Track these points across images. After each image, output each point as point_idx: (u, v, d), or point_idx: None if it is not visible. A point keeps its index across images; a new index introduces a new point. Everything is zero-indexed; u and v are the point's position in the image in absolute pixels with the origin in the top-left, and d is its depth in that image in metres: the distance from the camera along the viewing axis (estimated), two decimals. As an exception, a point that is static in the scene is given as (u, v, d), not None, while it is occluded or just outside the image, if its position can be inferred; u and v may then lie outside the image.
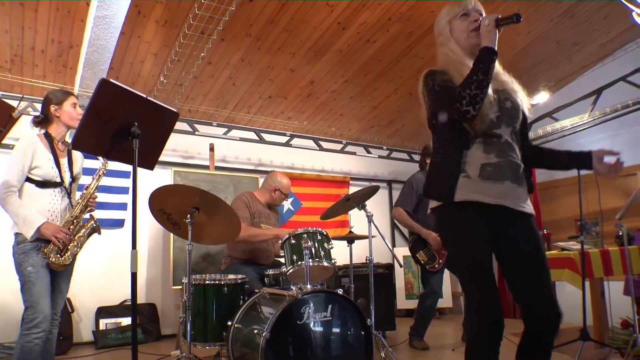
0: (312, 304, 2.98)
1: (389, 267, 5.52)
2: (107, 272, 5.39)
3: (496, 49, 1.96)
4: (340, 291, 3.14)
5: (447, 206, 2.07)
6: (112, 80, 2.45)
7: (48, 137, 3.08)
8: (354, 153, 7.36)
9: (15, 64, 4.82)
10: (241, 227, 3.58)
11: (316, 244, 3.45)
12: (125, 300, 5.43)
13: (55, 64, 4.89)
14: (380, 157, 7.58)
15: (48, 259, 2.89)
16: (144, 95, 2.63)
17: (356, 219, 4.51)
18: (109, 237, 5.43)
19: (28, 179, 2.95)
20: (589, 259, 4.28)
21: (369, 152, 7.47)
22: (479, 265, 2.00)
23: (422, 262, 4.50)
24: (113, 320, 5.20)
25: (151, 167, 2.89)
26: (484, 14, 2.14)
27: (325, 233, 3.59)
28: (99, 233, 3.18)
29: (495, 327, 1.94)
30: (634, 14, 4.56)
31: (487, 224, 2.03)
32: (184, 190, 3.28)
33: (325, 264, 3.44)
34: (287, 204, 6.47)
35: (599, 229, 6.03)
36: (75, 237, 3.02)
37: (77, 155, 3.26)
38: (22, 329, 2.81)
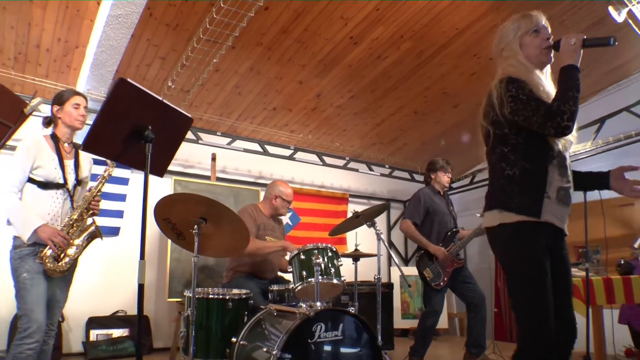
0: (323, 323, 2.87)
1: (389, 286, 5.45)
2: (99, 282, 5.21)
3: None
4: (352, 310, 3.04)
5: (525, 224, 2.05)
6: (129, 80, 2.36)
7: (54, 137, 2.98)
8: (356, 170, 7.27)
9: (19, 62, 4.69)
10: None
11: (327, 261, 3.34)
12: (117, 311, 5.25)
13: (60, 63, 4.77)
14: (382, 175, 7.52)
15: (44, 264, 2.75)
16: (160, 98, 2.54)
17: (353, 237, 4.42)
18: (103, 245, 5.26)
19: (30, 180, 2.84)
20: (592, 286, 4.23)
21: (371, 170, 7.39)
22: (548, 289, 2.02)
23: (428, 279, 4.42)
24: (104, 331, 5.02)
25: (161, 174, 2.80)
26: (550, 31, 2.20)
27: (334, 249, 3.49)
28: (101, 238, 3.05)
29: (551, 349, 1.99)
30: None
31: (547, 245, 2.09)
32: (192, 200, 3.14)
33: (336, 281, 3.33)
34: (285, 219, 6.36)
35: (599, 256, 6.02)
36: (74, 242, 2.89)
37: (85, 158, 3.14)
38: (15, 338, 2.67)
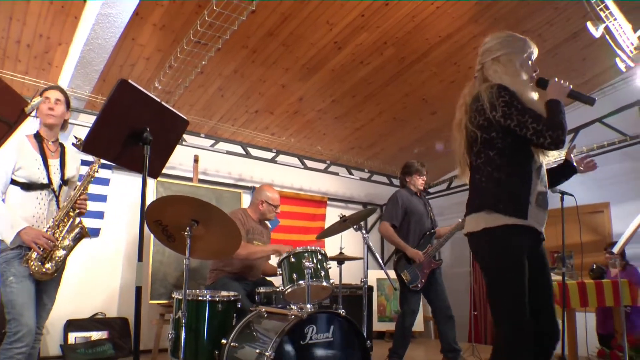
0: (315, 325, 2.90)
1: (368, 289, 5.50)
2: (78, 284, 5.12)
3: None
4: (342, 312, 3.09)
5: (510, 228, 2.14)
6: (130, 81, 2.36)
7: (37, 137, 2.92)
8: (336, 173, 7.33)
9: (-3, 57, 4.60)
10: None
11: (316, 263, 3.37)
12: (96, 314, 5.19)
13: (41, 60, 4.68)
14: (361, 179, 7.60)
15: (30, 267, 2.70)
16: (159, 100, 2.54)
17: (333, 241, 4.45)
18: (83, 247, 5.18)
19: (13, 182, 2.78)
20: (567, 290, 4.39)
21: (351, 174, 7.46)
22: (526, 290, 2.12)
23: (406, 281, 4.49)
24: (82, 334, 4.94)
25: (156, 176, 2.80)
26: None
27: (324, 252, 3.52)
28: (88, 237, 3.00)
29: (532, 345, 2.10)
30: (617, 59, 4.75)
31: (528, 249, 2.20)
32: (184, 202, 3.11)
33: (325, 284, 3.36)
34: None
35: (572, 261, 6.22)
36: (60, 244, 2.81)
37: (71, 157, 3.07)
38: (4, 342, 2.62)
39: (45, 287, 2.87)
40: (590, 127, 6.09)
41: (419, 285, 4.49)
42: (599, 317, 5.42)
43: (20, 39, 4.41)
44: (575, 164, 2.58)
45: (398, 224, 4.63)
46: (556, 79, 2.23)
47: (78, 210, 2.91)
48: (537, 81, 2.30)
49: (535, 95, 2.27)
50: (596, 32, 4.13)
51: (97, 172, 3.02)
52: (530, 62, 2.32)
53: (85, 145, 2.38)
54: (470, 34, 5.03)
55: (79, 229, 2.91)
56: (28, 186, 2.80)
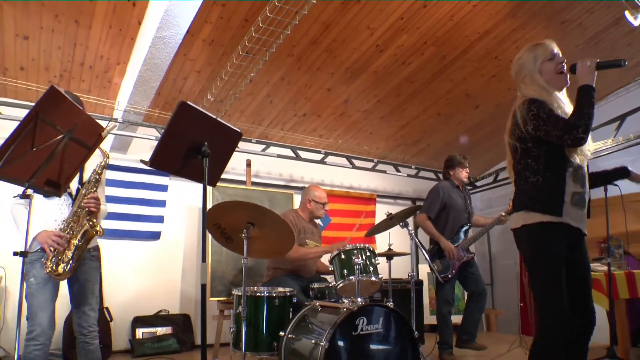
0: (365, 317, 3.11)
1: (418, 283, 5.67)
2: (143, 283, 5.53)
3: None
4: (390, 304, 3.28)
5: (545, 225, 2.38)
6: (189, 102, 2.61)
7: None
8: (384, 171, 7.49)
9: (64, 79, 4.99)
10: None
11: (365, 259, 3.59)
12: (160, 311, 5.57)
13: (101, 79, 5.06)
14: (409, 175, 7.73)
15: (45, 268, 2.79)
16: (214, 116, 2.79)
17: (384, 237, 4.62)
18: (145, 249, 5.60)
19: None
20: (614, 280, 4.41)
21: (398, 171, 7.61)
22: (562, 280, 2.33)
23: (437, 271, 4.63)
24: (149, 329, 5.33)
25: (214, 184, 3.03)
26: (561, 55, 2.57)
27: (372, 249, 3.72)
28: (98, 235, 2.91)
29: (568, 332, 2.31)
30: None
31: (565, 243, 2.40)
32: (240, 206, 3.37)
33: (374, 279, 3.57)
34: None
35: (621, 251, 6.15)
36: (71, 244, 2.85)
37: (90, 160, 2.97)
38: (24, 338, 2.76)
39: (82, 285, 3.00)
40: (637, 113, 6.01)
41: (449, 276, 4.67)
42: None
43: (83, 61, 4.80)
44: (631, 171, 2.96)
45: (433, 217, 4.78)
46: (581, 61, 2.38)
47: (86, 209, 2.88)
48: (569, 69, 2.47)
49: (563, 97, 2.53)
50: (635, 21, 4.15)
51: (99, 172, 3.00)
52: (551, 60, 2.53)
53: (152, 161, 2.65)
54: (509, 28, 5.10)
55: (85, 227, 2.87)
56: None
